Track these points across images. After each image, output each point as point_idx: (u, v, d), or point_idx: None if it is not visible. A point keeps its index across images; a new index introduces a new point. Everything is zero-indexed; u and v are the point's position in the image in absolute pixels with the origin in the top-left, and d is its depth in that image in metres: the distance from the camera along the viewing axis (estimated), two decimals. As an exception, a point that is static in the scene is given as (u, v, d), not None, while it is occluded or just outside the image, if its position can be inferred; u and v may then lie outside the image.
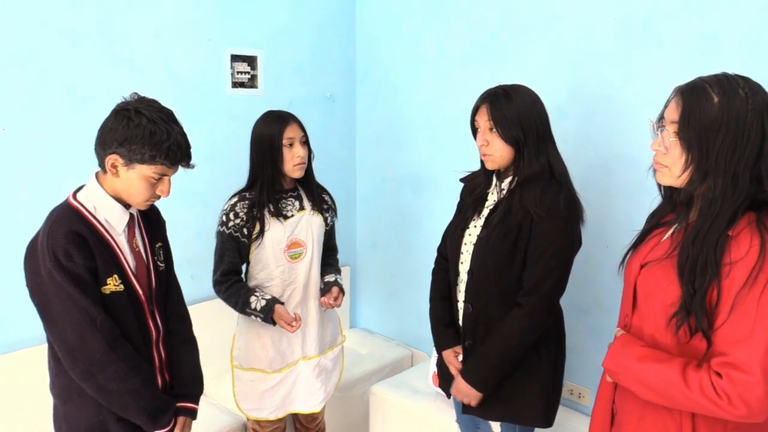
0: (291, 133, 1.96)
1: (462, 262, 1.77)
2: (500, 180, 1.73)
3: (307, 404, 2.17)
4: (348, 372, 2.61)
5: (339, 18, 2.93)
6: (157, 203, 1.56)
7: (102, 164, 1.42)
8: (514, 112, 1.61)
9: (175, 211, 1.99)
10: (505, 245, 1.64)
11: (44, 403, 1.58)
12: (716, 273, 1.10)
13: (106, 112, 1.42)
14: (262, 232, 1.99)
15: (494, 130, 1.63)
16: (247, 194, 2.01)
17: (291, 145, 1.96)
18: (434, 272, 1.93)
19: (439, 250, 1.94)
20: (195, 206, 2.51)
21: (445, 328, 1.86)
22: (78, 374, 1.40)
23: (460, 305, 1.79)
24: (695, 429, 1.18)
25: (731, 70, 1.17)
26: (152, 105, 1.41)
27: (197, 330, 1.75)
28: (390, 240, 3.05)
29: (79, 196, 1.45)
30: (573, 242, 1.66)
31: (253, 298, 1.97)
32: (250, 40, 2.61)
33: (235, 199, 2.01)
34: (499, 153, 1.65)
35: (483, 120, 1.66)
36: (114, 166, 1.40)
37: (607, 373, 1.34)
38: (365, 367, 2.80)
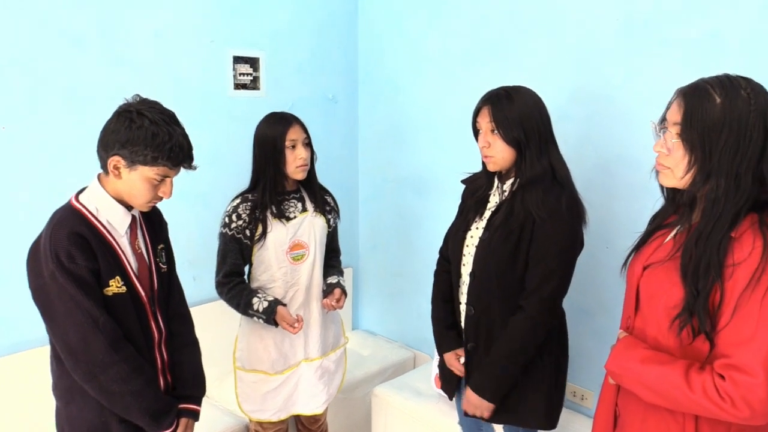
0: (294, 134, 1.96)
1: (464, 264, 1.77)
2: (502, 182, 1.73)
3: (309, 406, 2.17)
4: (350, 374, 2.61)
5: (341, 18, 2.94)
6: (160, 205, 1.56)
7: (104, 166, 1.43)
8: (515, 113, 1.61)
9: (178, 212, 2.00)
10: (507, 247, 1.64)
11: (47, 404, 1.59)
12: (719, 274, 1.10)
13: (107, 113, 1.42)
14: (264, 233, 1.99)
15: (496, 131, 1.63)
16: (250, 196, 2.01)
17: (294, 146, 1.97)
18: (436, 274, 1.93)
19: (441, 251, 1.94)
20: (197, 208, 2.52)
21: (446, 330, 1.86)
22: (80, 375, 1.40)
23: (462, 307, 1.79)
24: (698, 431, 1.18)
25: (733, 71, 1.16)
26: (154, 107, 1.41)
27: (199, 331, 1.75)
28: (392, 241, 3.05)
29: (81, 197, 1.45)
30: (575, 244, 1.66)
31: (255, 300, 1.97)
32: (252, 42, 2.62)
33: (238, 201, 2.01)
34: (501, 155, 1.65)
35: (484, 121, 1.65)
36: (116, 168, 1.40)
37: (609, 375, 1.34)
38: (367, 369, 2.80)
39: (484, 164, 1.75)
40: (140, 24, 2.28)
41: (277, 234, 2.00)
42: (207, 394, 1.79)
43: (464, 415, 1.82)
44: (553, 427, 1.77)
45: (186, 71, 2.43)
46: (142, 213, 1.56)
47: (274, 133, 1.96)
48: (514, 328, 1.65)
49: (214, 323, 2.29)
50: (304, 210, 2.07)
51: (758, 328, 1.06)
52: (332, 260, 2.24)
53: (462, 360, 1.82)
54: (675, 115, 1.16)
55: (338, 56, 2.96)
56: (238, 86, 2.60)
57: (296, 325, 1.94)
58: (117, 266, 1.45)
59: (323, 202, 2.14)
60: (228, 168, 2.52)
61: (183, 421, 1.58)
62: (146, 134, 1.36)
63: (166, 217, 1.70)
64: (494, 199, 1.74)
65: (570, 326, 1.84)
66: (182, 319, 1.69)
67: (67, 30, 2.12)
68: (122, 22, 2.23)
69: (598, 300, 2.21)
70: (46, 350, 1.51)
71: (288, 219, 2.02)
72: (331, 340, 2.23)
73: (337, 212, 2.22)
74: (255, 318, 1.98)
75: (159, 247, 1.61)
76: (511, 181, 1.69)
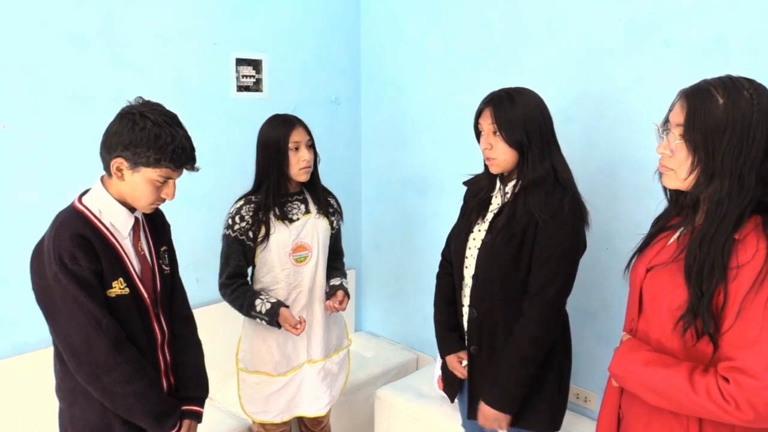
0: (297, 136, 1.97)
1: (467, 267, 1.76)
2: (504, 184, 1.72)
3: (312, 408, 2.17)
4: (353, 375, 2.60)
5: (343, 20, 2.94)
6: (162, 207, 1.56)
7: (107, 168, 1.43)
8: (518, 115, 1.60)
9: (180, 214, 2.00)
10: (510, 250, 1.64)
11: (50, 406, 1.59)
12: (723, 276, 1.10)
13: (109, 115, 1.43)
14: (267, 235, 1.99)
15: (498, 133, 1.62)
16: (253, 197, 2.01)
17: (297, 148, 1.97)
18: (438, 276, 1.93)
19: (443, 254, 1.94)
20: (200, 209, 2.52)
21: (449, 332, 1.86)
22: (83, 377, 1.40)
23: (465, 310, 1.78)
24: (702, 434, 1.18)
25: (736, 72, 1.16)
26: (157, 108, 1.42)
27: (202, 333, 1.75)
28: (395, 242, 3.05)
29: (84, 199, 1.46)
30: (578, 246, 1.65)
31: (258, 301, 1.97)
32: (254, 44, 2.62)
33: (241, 203, 2.01)
34: (503, 157, 1.64)
35: (486, 123, 1.65)
36: (119, 170, 1.41)
37: (613, 378, 1.33)
38: (370, 371, 2.80)
39: (486, 166, 1.74)
40: (141, 25, 2.28)
41: (280, 236, 2.00)
42: (210, 396, 1.79)
43: (468, 417, 1.81)
44: (557, 429, 1.77)
45: (188, 73, 2.43)
46: (145, 215, 1.57)
47: (277, 135, 1.96)
48: (520, 335, 1.64)
49: (217, 325, 2.29)
50: (307, 212, 2.07)
51: (762, 330, 1.06)
52: (335, 262, 2.24)
53: (464, 363, 1.81)
54: (678, 117, 1.16)
55: (340, 58, 2.96)
56: (241, 88, 2.60)
57: (299, 326, 1.94)
58: (120, 268, 1.45)
59: (326, 204, 2.14)
60: (231, 170, 2.52)
61: (186, 422, 1.58)
62: (149, 136, 1.36)
63: (169, 218, 1.70)
64: (496, 201, 1.74)
65: (573, 328, 1.84)
66: (185, 321, 1.70)
67: (69, 31, 2.12)
68: (123, 24, 2.24)
69: (601, 302, 2.21)
70: (49, 352, 1.51)
71: (291, 221, 2.03)
72: (334, 341, 2.23)
73: (341, 214, 2.22)
74: (258, 320, 1.98)
75: (162, 249, 1.61)
76: (513, 183, 1.69)
